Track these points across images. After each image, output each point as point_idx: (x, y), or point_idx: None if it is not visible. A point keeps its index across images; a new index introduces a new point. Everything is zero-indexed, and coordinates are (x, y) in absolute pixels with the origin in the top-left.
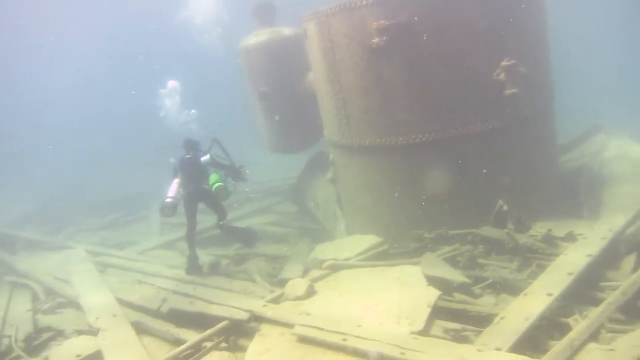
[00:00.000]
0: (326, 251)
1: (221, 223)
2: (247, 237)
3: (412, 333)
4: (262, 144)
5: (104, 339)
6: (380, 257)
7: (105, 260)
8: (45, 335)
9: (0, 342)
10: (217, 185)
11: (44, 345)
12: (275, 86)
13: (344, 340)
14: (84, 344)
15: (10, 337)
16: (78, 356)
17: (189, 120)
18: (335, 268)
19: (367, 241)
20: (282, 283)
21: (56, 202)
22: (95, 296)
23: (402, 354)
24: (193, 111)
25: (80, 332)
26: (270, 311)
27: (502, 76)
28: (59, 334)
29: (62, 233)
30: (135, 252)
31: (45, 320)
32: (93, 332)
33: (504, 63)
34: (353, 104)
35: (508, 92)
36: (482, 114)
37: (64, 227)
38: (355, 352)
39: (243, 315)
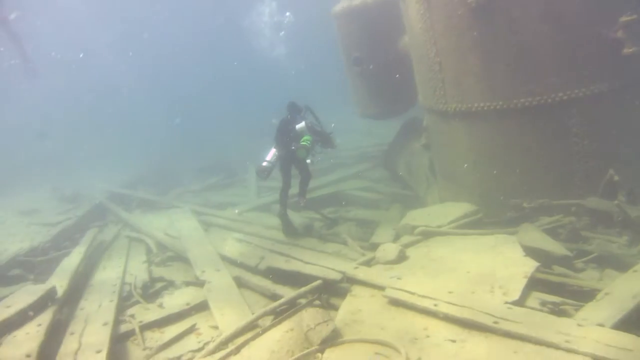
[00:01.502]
0: (417, 217)
1: (302, 205)
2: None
3: (506, 303)
4: (354, 109)
5: (209, 290)
6: (474, 225)
7: (208, 219)
8: (159, 285)
9: (122, 289)
10: (301, 143)
11: (157, 293)
12: (368, 51)
13: (435, 305)
14: (192, 294)
15: (130, 284)
16: (187, 304)
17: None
18: (427, 234)
19: (460, 209)
20: (373, 247)
21: (165, 165)
22: (201, 252)
23: (495, 322)
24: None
25: (188, 283)
26: (361, 273)
27: (620, 33)
28: (170, 284)
29: (170, 193)
30: (235, 212)
31: (158, 271)
32: (199, 283)
33: (623, 18)
34: (449, 66)
35: (626, 50)
36: (593, 75)
37: (172, 188)
38: (446, 317)
39: (335, 276)
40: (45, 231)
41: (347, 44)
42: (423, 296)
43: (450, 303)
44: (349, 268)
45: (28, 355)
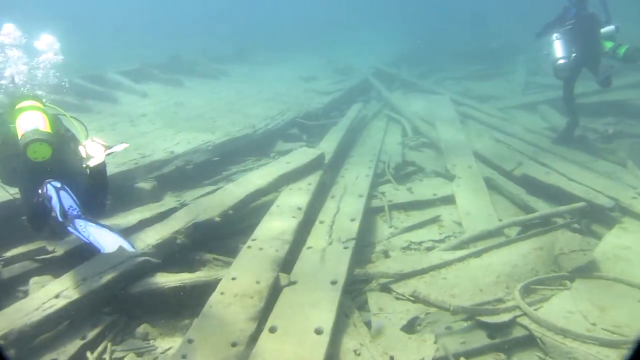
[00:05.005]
0: None
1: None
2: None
3: None
4: None
5: (458, 185)
6: None
7: (466, 111)
8: (409, 169)
9: (377, 166)
10: (624, 47)
11: (407, 177)
12: None
13: None
14: (439, 185)
15: (384, 162)
16: (434, 194)
17: None
18: None
19: None
20: None
21: (429, 47)
22: (455, 144)
23: None
24: None
25: (437, 174)
26: None
27: None
28: (419, 170)
29: (430, 77)
30: (495, 107)
31: (410, 154)
32: (448, 177)
33: None
34: None
35: None
36: None
37: (433, 72)
38: None
39: (605, 202)
40: (318, 98)
41: None
42: None
43: None
44: (625, 195)
45: (299, 208)
